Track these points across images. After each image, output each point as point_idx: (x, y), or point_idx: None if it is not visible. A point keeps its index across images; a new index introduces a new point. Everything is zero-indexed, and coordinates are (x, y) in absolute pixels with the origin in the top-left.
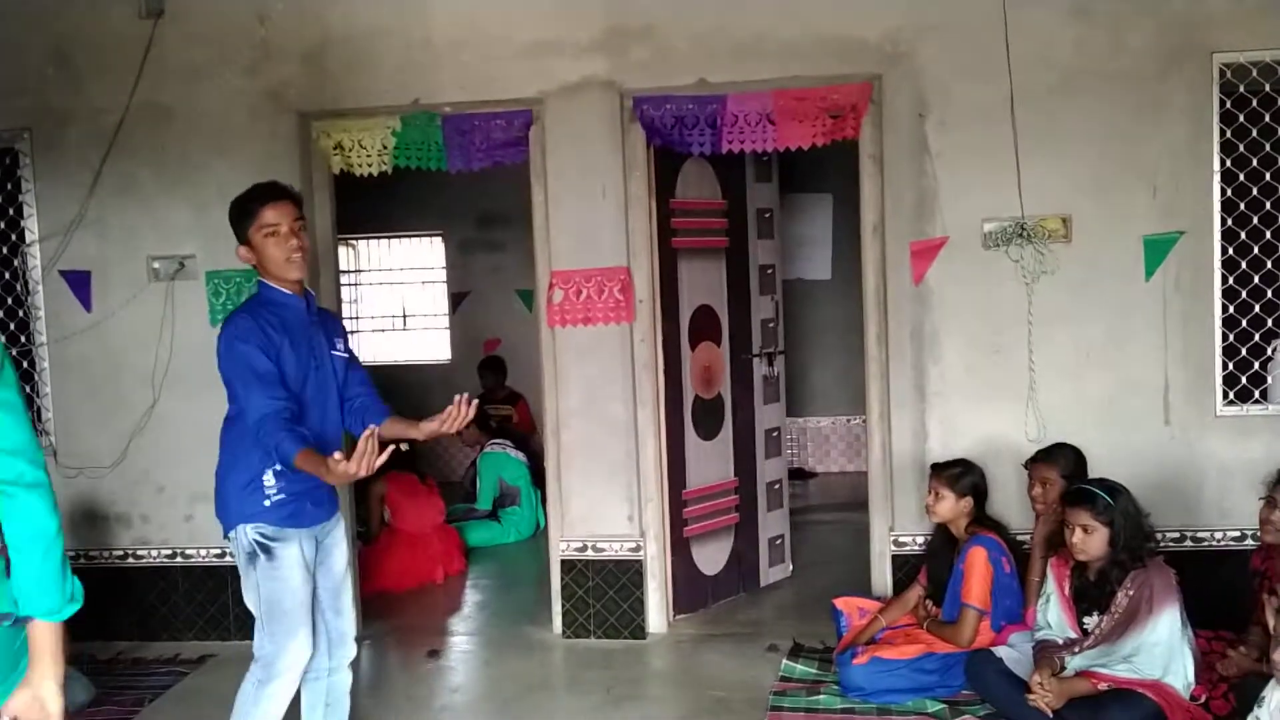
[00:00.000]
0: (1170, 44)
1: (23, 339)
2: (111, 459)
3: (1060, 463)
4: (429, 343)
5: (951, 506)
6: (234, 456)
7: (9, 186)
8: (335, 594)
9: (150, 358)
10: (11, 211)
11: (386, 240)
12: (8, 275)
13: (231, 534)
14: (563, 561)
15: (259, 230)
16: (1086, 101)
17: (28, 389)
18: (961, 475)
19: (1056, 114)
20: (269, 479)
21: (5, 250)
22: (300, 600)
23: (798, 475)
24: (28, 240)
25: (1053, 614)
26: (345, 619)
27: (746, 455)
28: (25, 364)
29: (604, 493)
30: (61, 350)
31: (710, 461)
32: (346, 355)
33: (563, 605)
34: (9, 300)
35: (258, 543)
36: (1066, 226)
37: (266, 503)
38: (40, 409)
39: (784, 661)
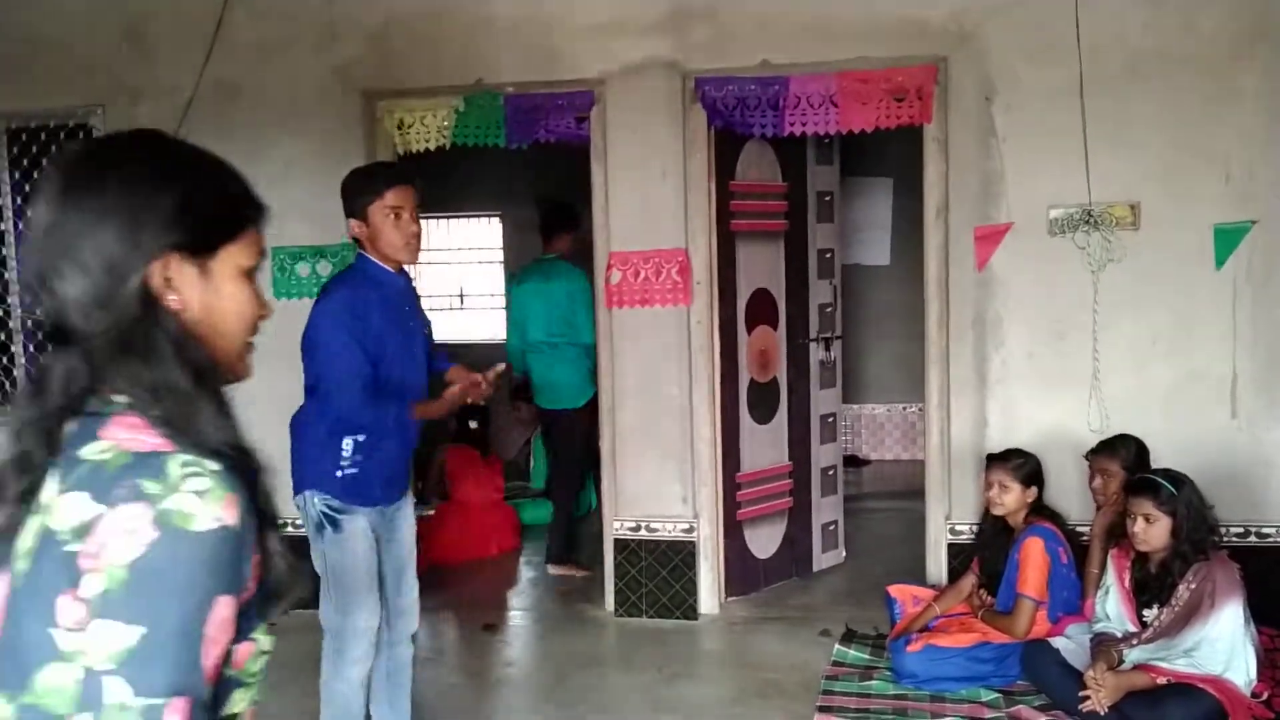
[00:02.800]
0: (1243, 27)
1: None
2: None
3: (1121, 454)
4: (485, 322)
5: (1018, 497)
6: (318, 413)
7: None
8: (399, 571)
9: None
10: None
11: (445, 220)
12: None
13: (300, 500)
14: (616, 541)
15: (381, 209)
16: (1157, 86)
17: None
18: (1023, 465)
19: (1126, 98)
20: (347, 444)
21: None
22: (366, 570)
23: (851, 462)
24: None
25: (1112, 606)
26: (406, 596)
27: (801, 440)
28: None
29: (658, 474)
30: None
31: (765, 445)
32: (428, 330)
33: (615, 584)
34: None
35: (324, 514)
36: (1135, 213)
37: (339, 473)
38: None
39: (836, 646)
